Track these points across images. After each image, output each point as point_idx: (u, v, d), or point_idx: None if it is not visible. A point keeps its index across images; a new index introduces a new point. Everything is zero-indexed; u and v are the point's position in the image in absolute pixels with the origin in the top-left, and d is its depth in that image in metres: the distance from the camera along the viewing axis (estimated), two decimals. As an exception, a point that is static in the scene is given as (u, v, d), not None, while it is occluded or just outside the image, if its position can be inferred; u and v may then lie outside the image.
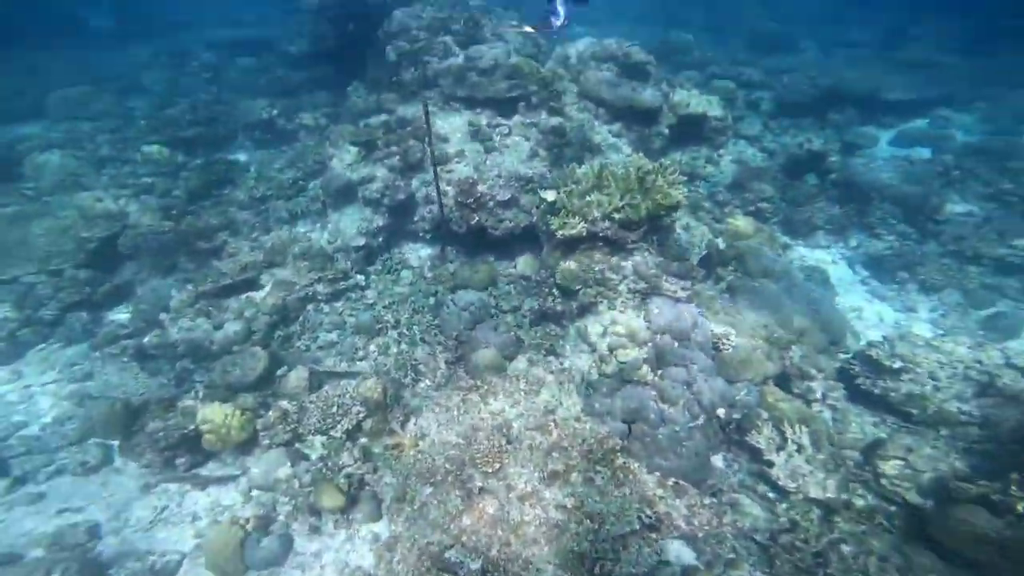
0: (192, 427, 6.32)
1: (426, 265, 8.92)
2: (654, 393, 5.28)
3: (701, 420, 5.15)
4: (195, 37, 17.42)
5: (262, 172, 10.51)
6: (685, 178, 6.68)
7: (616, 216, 6.92)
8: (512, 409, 6.03)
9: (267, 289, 8.12)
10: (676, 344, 5.51)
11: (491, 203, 8.20)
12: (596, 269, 6.99)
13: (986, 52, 13.71)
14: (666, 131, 9.48)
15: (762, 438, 5.20)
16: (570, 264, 7.20)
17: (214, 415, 6.30)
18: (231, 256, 8.55)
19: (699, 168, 9.64)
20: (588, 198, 7.03)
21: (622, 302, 6.64)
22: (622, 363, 5.62)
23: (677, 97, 9.62)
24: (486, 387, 6.43)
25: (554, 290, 7.46)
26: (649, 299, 6.07)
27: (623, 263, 7.00)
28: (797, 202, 8.77)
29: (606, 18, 18.23)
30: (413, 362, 7.30)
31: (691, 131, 9.93)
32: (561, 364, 6.83)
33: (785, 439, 5.12)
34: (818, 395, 5.49)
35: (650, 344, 5.62)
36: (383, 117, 10.51)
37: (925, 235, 7.93)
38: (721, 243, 7.39)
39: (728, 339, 5.67)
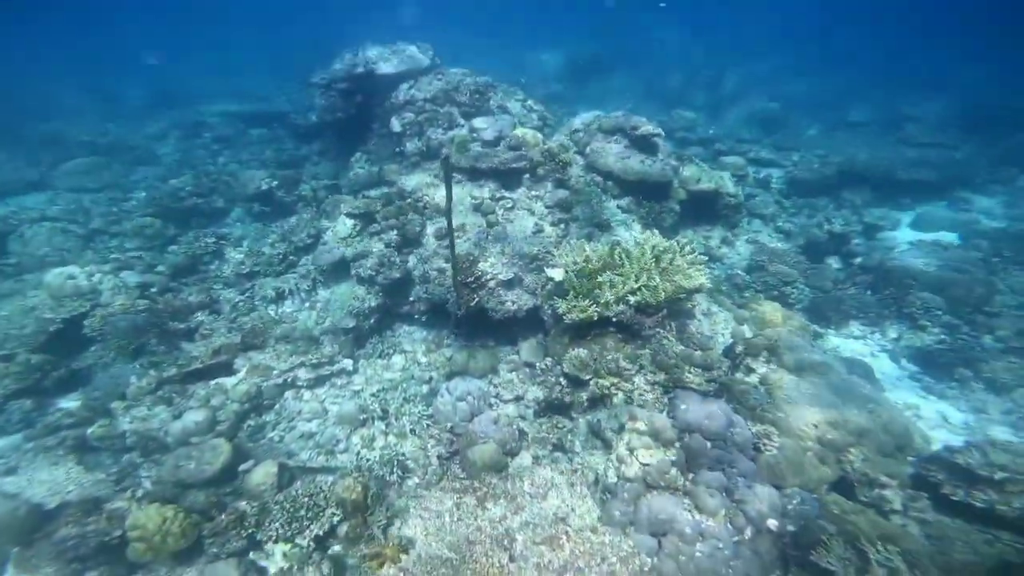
0: (119, 533, 5.22)
1: (420, 350, 8.09)
2: (687, 501, 4.28)
3: (748, 533, 4.11)
4: (218, 109, 17.74)
5: (253, 246, 9.96)
6: (706, 258, 6.02)
7: (631, 299, 6.20)
8: (515, 517, 5.04)
9: (241, 374, 7.25)
10: (710, 445, 4.57)
11: (492, 283, 7.50)
12: (609, 358, 6.17)
13: (984, 134, 13.66)
14: (677, 208, 9.01)
15: (833, 558, 4.09)
16: (579, 351, 6.41)
17: (149, 519, 5.23)
18: (205, 338, 7.76)
19: (714, 248, 9.06)
20: (599, 278, 6.34)
21: (639, 395, 5.75)
22: (646, 465, 4.65)
23: (688, 172, 9.25)
24: (484, 489, 5.46)
25: (561, 379, 6.61)
26: (673, 394, 5.19)
27: (639, 352, 6.18)
28: (823, 288, 8.09)
29: (610, 97, 18.69)
30: (400, 457, 6.29)
31: (703, 208, 9.47)
32: (571, 463, 5.84)
33: (866, 560, 4.01)
34: (896, 506, 4.43)
35: (678, 444, 4.68)
36: (383, 189, 10.15)
37: (974, 327, 7.15)
38: (747, 331, 6.59)
39: (771, 439, 4.72)
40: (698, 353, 6.05)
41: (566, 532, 4.68)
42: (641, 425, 4.98)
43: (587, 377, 6.29)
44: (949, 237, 9.89)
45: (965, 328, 7.12)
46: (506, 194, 8.96)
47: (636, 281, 6.22)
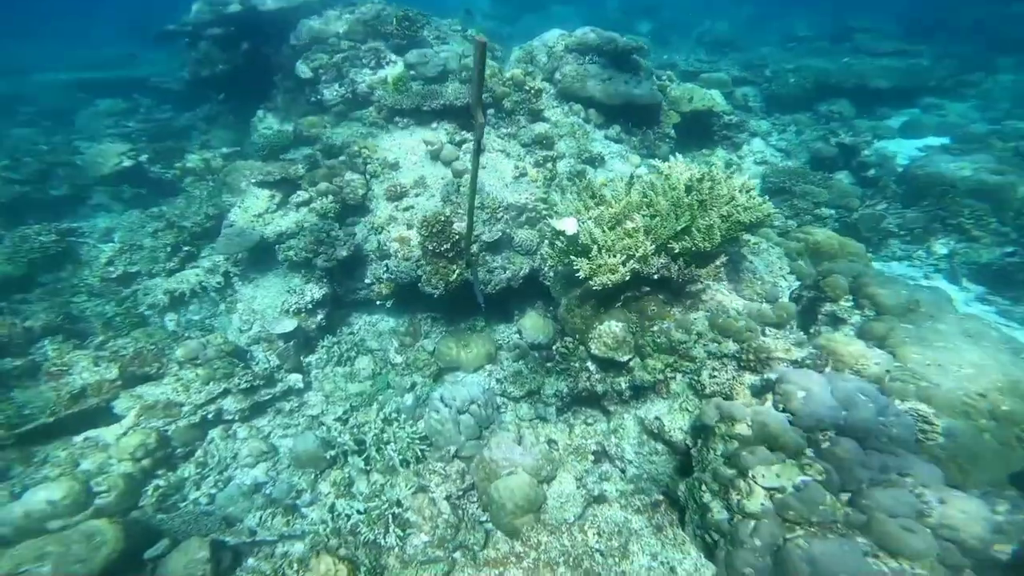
0: None
1: (392, 346, 6.15)
2: (864, 542, 2.83)
3: (967, 574, 2.75)
4: (49, 79, 13.70)
5: (127, 239, 7.34)
6: (757, 181, 4.49)
7: (675, 247, 4.58)
8: None
9: (129, 420, 5.04)
10: (862, 447, 3.12)
11: (474, 247, 5.64)
12: (656, 329, 4.58)
13: (932, 43, 13.23)
14: (672, 132, 7.42)
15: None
16: (611, 325, 4.78)
17: None
18: (56, 377, 5.35)
19: (721, 174, 7.62)
20: (628, 224, 4.63)
21: (711, 377, 4.22)
22: (774, 491, 3.14)
23: (677, 92, 7.67)
24: (531, 551, 3.77)
25: (588, 363, 4.98)
26: (772, 374, 3.69)
27: (691, 315, 4.63)
28: (848, 207, 6.96)
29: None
30: (395, 506, 4.45)
31: (697, 131, 8.00)
32: (635, 485, 4.29)
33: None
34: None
35: (811, 452, 3.18)
36: (304, 150, 7.78)
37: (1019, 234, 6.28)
38: (805, 267, 5.23)
39: (929, 422, 3.37)
40: (767, 307, 4.59)
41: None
42: (743, 428, 3.44)
43: (625, 358, 4.71)
44: (940, 142, 9.15)
45: (1015, 235, 6.25)
46: (468, 136, 6.96)
47: (679, 222, 4.58)
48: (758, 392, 3.88)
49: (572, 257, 4.85)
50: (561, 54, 7.93)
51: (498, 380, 5.59)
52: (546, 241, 5.91)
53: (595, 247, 4.70)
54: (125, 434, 4.94)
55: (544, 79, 7.79)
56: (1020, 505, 3.03)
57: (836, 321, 4.51)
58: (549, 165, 6.40)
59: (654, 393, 4.58)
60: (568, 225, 4.89)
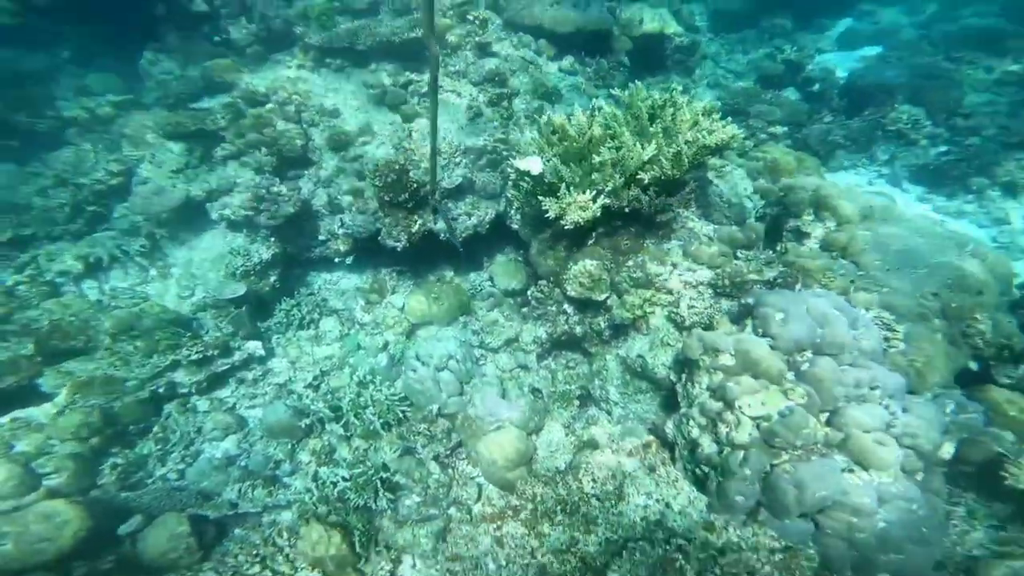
0: None
1: (357, 304, 5.84)
2: (841, 459, 3.03)
3: (920, 476, 3.03)
4: None
5: (6, 198, 6.42)
6: (718, 102, 4.42)
7: (644, 177, 4.46)
8: (590, 537, 3.50)
9: (62, 398, 4.62)
10: (839, 365, 3.27)
11: (436, 194, 5.27)
12: (630, 264, 4.55)
13: None
14: (626, 60, 7.12)
15: (1024, 475, 3.20)
16: (586, 264, 4.71)
17: None
18: None
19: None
20: (596, 157, 4.46)
21: (689, 307, 4.28)
22: (760, 419, 3.27)
23: (627, 13, 7.26)
24: (527, 503, 3.83)
25: (566, 306, 4.95)
26: (750, 298, 3.76)
27: (664, 246, 4.61)
28: (798, 122, 7.04)
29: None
30: (382, 470, 4.36)
31: (650, 56, 7.70)
32: (622, 426, 4.39)
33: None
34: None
35: (792, 376, 3.31)
36: (219, 98, 6.86)
37: (957, 132, 6.58)
38: (766, 184, 5.28)
39: (892, 328, 3.57)
40: (736, 230, 4.63)
41: (681, 550, 3.20)
42: (726, 358, 3.51)
43: (602, 297, 4.68)
44: (874, 51, 9.34)
45: (946, 135, 6.57)
46: (413, 76, 6.36)
47: (646, 151, 4.44)
48: (736, 319, 3.96)
49: (540, 198, 4.64)
50: (502, -25, 7.25)
51: (474, 332, 5.47)
52: (510, 183, 5.64)
53: (563, 185, 4.51)
54: (62, 413, 4.51)
55: (488, 7, 7.14)
56: (964, 404, 3.31)
57: (800, 235, 4.63)
58: (504, 103, 5.99)
59: (634, 330, 4.59)
60: (532, 164, 4.64)
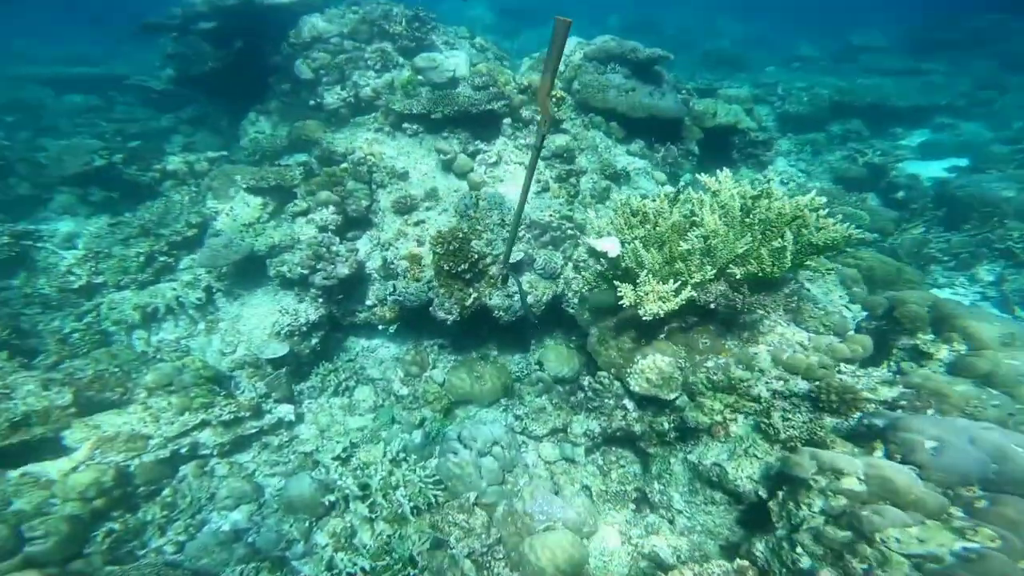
0: None
1: (396, 376, 5.40)
2: None
3: None
4: (12, 73, 12.59)
5: (93, 246, 6.51)
6: (824, 199, 3.97)
7: (737, 272, 3.97)
8: None
9: (81, 453, 4.23)
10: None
11: (494, 268, 4.96)
12: (710, 365, 3.95)
13: (937, 60, 13.05)
14: (695, 148, 6.90)
15: None
16: (656, 359, 4.15)
17: None
18: None
19: (749, 194, 7.09)
20: (682, 245, 4.02)
21: (784, 420, 3.60)
22: (923, 559, 2.47)
23: (701, 106, 7.16)
24: None
25: (625, 400, 4.33)
26: (890, 420, 3.10)
27: (751, 349, 4.01)
28: (884, 230, 6.50)
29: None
30: (409, 568, 3.67)
31: (718, 148, 7.51)
32: (689, 537, 3.63)
33: None
34: None
35: (960, 511, 2.58)
36: (300, 156, 7.06)
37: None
38: (863, 292, 4.65)
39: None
40: (838, 341, 3.99)
41: None
42: (853, 482, 2.81)
43: (672, 396, 4.08)
44: (961, 162, 8.83)
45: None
46: (483, 147, 6.32)
47: (739, 243, 3.98)
48: (850, 436, 3.28)
49: (613, 283, 4.21)
50: (579, 63, 7.40)
51: (516, 416, 4.89)
52: (570, 264, 5.28)
53: (643, 271, 4.06)
54: (76, 469, 4.11)
55: (562, 88, 7.23)
56: None
57: (919, 355, 3.94)
58: (572, 180, 5.79)
59: (708, 436, 3.94)
60: (609, 246, 4.26)
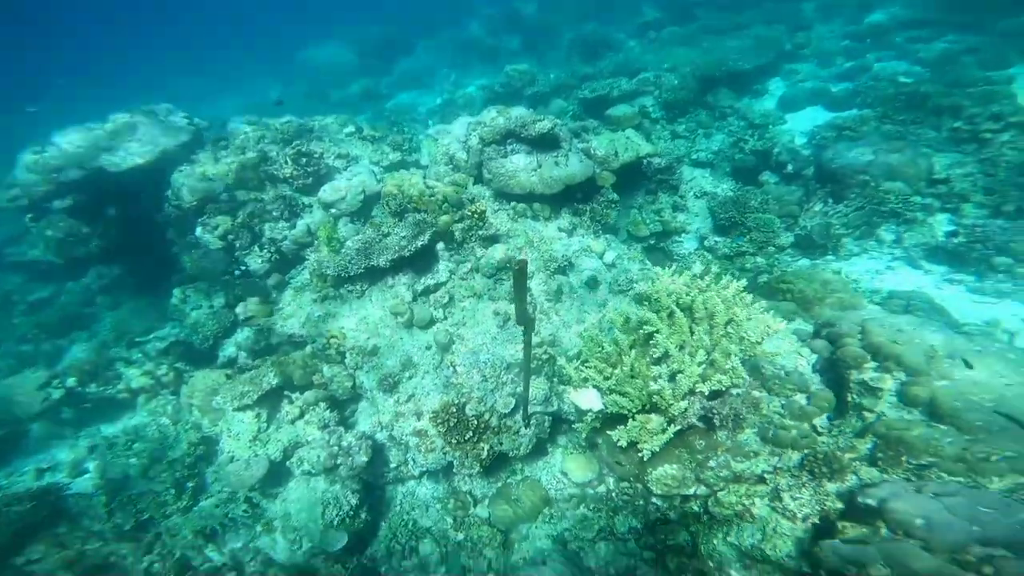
0: None
1: (447, 524, 5.26)
2: None
3: None
4: None
5: (107, 472, 6.00)
6: (744, 283, 3.92)
7: (703, 388, 3.94)
8: None
9: None
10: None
11: (494, 420, 4.78)
12: (712, 464, 4.01)
13: (743, 14, 12.41)
14: (613, 195, 6.64)
15: None
16: (666, 469, 4.18)
17: None
18: None
19: (669, 222, 6.92)
20: (650, 371, 3.94)
21: (794, 497, 3.75)
22: None
23: (602, 149, 6.86)
24: None
25: (653, 499, 4.41)
26: (878, 502, 3.33)
27: (740, 438, 4.07)
28: (791, 214, 6.50)
29: (427, 76, 14.95)
30: None
31: (630, 181, 7.21)
32: None
33: None
34: None
35: None
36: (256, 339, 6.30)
37: (945, 199, 6.02)
38: (804, 325, 4.72)
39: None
40: (804, 403, 4.09)
41: None
42: (879, 570, 3.02)
43: (691, 491, 4.17)
44: (817, 112, 8.82)
45: (938, 204, 6.03)
46: (429, 281, 5.88)
47: (695, 360, 3.92)
48: (848, 513, 3.49)
49: (607, 433, 4.13)
50: (480, 148, 6.79)
51: (567, 530, 4.89)
52: (555, 379, 5.11)
53: (630, 418, 3.98)
54: None
55: (472, 178, 6.66)
56: None
57: (870, 390, 4.06)
58: (528, 296, 5.48)
59: (738, 519, 4.07)
60: (590, 401, 4.15)
